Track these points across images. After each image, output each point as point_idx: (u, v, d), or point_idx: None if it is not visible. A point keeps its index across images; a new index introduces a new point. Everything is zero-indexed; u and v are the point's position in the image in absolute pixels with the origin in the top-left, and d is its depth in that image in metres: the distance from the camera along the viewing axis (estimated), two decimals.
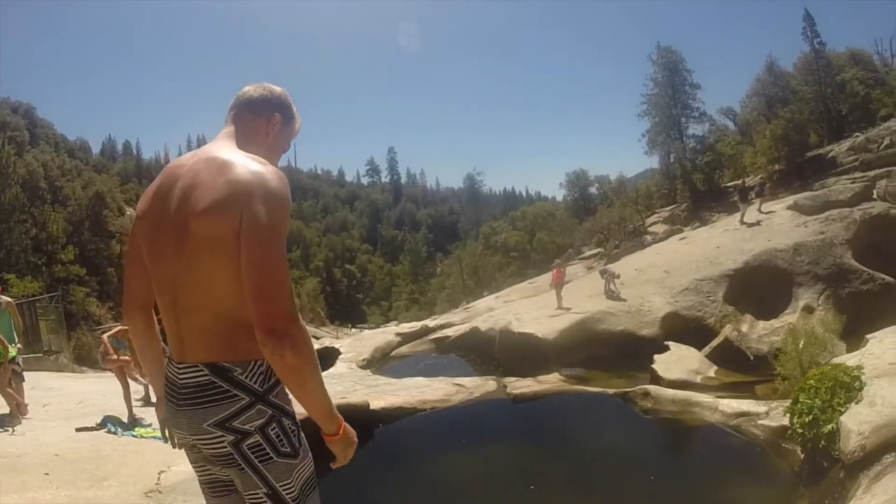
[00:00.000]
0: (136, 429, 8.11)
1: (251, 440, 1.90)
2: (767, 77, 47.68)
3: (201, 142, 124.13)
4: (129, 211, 68.42)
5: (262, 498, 1.94)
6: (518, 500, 7.35)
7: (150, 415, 8.74)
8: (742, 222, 21.95)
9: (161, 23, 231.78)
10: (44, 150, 71.44)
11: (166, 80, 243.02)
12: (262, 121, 2.20)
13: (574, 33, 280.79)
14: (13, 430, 7.81)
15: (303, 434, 2.06)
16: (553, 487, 7.79)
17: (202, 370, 1.91)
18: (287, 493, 1.95)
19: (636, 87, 46.86)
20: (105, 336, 9.63)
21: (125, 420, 8.47)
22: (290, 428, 1.99)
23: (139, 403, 9.46)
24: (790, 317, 15.31)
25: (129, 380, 9.19)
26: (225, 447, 1.90)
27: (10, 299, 9.54)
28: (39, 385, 10.26)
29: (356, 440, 2.13)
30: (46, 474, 5.69)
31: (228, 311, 1.88)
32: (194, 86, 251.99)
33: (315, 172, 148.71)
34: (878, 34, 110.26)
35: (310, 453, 2.07)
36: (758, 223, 21.37)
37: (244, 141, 2.12)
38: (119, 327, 10.12)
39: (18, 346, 9.21)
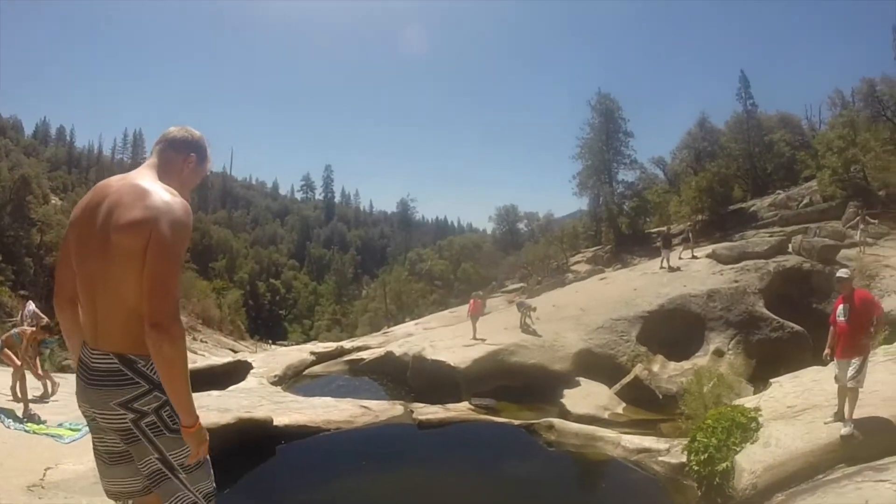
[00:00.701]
0: (30, 424, 7.84)
1: (148, 419, 2.37)
2: (698, 132, 49.94)
3: (137, 138, 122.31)
4: (54, 200, 65.96)
5: (155, 463, 2.41)
6: None
7: (46, 411, 8.54)
8: (663, 267, 22.39)
9: (109, 14, 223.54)
10: None
11: (110, 71, 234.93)
12: (180, 158, 2.68)
13: (523, 71, 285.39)
14: None
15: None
16: None
17: (112, 359, 2.35)
18: (175, 460, 2.43)
19: (575, 129, 48.42)
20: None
21: (20, 414, 8.20)
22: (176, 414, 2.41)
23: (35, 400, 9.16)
24: (701, 359, 15.61)
25: (27, 376, 8.94)
26: (126, 423, 2.35)
27: None
28: None
29: (207, 439, 2.49)
30: None
31: (136, 308, 2.28)
32: (136, 80, 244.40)
33: (249, 182, 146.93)
34: (809, 101, 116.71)
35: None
36: (678, 269, 21.85)
37: (164, 173, 2.59)
38: (31, 330, 9.79)
39: None
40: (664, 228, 31.23)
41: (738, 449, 7.27)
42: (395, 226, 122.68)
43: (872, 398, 7.41)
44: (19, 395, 8.63)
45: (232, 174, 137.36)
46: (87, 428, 6.78)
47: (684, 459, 8.10)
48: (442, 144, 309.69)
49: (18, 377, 8.84)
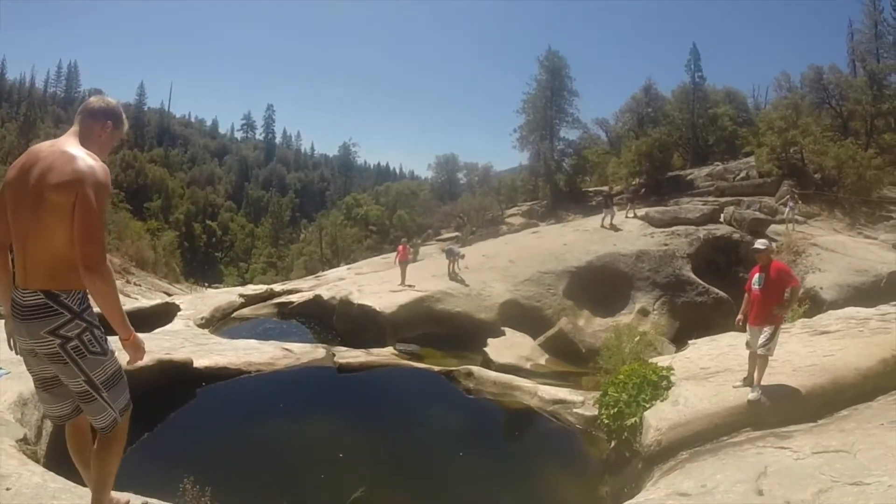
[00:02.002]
0: None
1: (72, 343, 2.84)
2: (643, 97, 50.40)
3: (72, 70, 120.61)
4: None
5: (81, 384, 2.91)
6: (325, 467, 7.11)
7: None
8: (604, 225, 22.36)
9: None
10: None
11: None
12: (97, 125, 3.11)
13: (475, 23, 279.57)
14: None
15: (108, 341, 3.01)
16: (359, 456, 7.64)
17: (39, 295, 2.81)
18: (97, 379, 2.93)
19: (522, 85, 47.98)
20: None
21: None
22: (98, 336, 2.95)
23: None
24: (626, 317, 15.93)
25: None
26: (54, 348, 2.82)
27: None
28: None
29: (144, 348, 3.11)
30: None
31: (62, 254, 2.78)
32: (72, 8, 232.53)
33: (188, 119, 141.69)
34: (757, 81, 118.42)
35: (114, 355, 3.03)
36: (619, 229, 21.96)
37: (85, 139, 3.04)
38: None
39: None
40: (607, 188, 31.35)
41: (647, 406, 7.35)
42: (336, 170, 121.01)
43: (784, 367, 7.58)
44: None
45: (170, 111, 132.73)
46: (3, 372, 6.79)
47: (597, 412, 8.21)
48: (388, 89, 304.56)
49: None
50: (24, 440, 5.13)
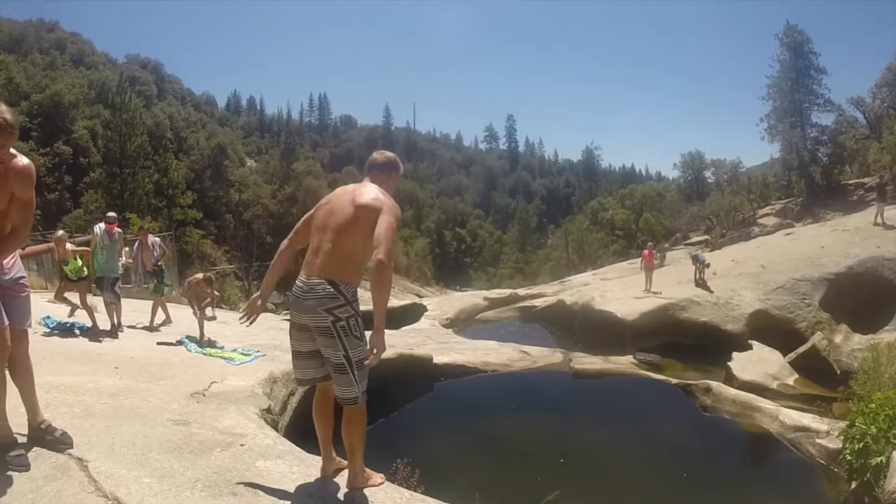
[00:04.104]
0: (208, 349, 8.84)
1: (341, 323, 3.44)
2: None
3: (322, 100, 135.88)
4: (250, 163, 72.61)
5: (340, 357, 3.47)
6: (539, 468, 7.18)
7: (226, 341, 9.56)
8: (878, 223, 19.54)
9: None
10: (170, 104, 78.08)
11: (290, 40, 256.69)
12: (384, 175, 3.90)
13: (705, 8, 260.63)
14: (102, 339, 8.72)
15: (364, 329, 3.57)
16: (581, 464, 7.59)
17: (325, 283, 3.47)
18: (353, 358, 3.48)
19: (764, 67, 43.82)
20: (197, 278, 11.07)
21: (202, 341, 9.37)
22: (360, 324, 3.53)
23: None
24: (889, 334, 13.41)
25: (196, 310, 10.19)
26: (327, 323, 3.43)
27: (120, 230, 10.50)
28: (141, 309, 11.26)
29: (385, 347, 3.47)
30: (116, 368, 6.64)
31: (352, 257, 3.55)
32: (317, 47, 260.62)
33: (433, 135, 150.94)
34: None
35: (367, 346, 3.50)
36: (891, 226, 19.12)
37: (378, 184, 3.79)
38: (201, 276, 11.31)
39: (123, 264, 10.50)
40: (878, 177, 27.71)
41: None
42: (581, 175, 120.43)
43: None
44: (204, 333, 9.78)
45: (416, 128, 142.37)
46: (257, 354, 7.93)
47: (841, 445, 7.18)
48: (628, 87, 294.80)
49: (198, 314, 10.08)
50: (268, 410, 5.89)
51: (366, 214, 3.55)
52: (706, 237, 34.35)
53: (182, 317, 11.15)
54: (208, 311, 10.00)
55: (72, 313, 9.84)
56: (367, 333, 3.51)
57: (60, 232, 9.97)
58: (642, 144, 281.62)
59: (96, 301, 9.77)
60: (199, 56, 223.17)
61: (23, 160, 3.52)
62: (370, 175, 3.90)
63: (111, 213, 10.45)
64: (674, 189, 57.77)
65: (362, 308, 3.51)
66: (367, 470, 3.90)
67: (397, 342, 8.37)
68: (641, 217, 53.87)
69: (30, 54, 62.95)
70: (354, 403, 3.59)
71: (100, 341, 8.56)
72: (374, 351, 3.43)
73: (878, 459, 6.07)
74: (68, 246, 9.64)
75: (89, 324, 9.08)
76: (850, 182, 37.13)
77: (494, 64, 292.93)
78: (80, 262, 9.54)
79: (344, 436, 3.68)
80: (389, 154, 4.05)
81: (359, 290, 3.64)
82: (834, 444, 7.56)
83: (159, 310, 10.82)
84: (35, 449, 3.73)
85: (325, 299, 3.45)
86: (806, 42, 41.05)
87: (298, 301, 3.58)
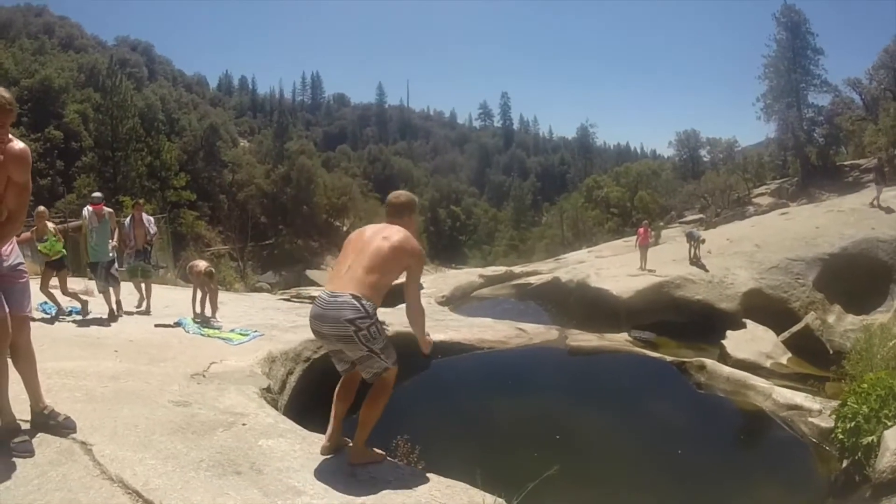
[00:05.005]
0: (206, 329, 8.88)
1: (363, 332, 3.69)
2: None
3: (315, 79, 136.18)
4: (243, 143, 72.40)
5: (364, 352, 3.77)
6: (541, 445, 7.28)
7: (220, 320, 9.72)
8: (875, 205, 19.48)
9: None
10: (161, 85, 77.68)
11: (281, 18, 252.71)
12: (405, 214, 4.19)
13: None
14: (102, 324, 8.80)
15: (385, 329, 4.03)
16: (576, 442, 7.65)
17: (348, 297, 3.71)
18: (376, 348, 3.78)
19: (761, 46, 43.72)
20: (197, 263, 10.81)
21: (198, 321, 9.42)
22: (380, 328, 3.84)
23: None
24: (882, 315, 13.65)
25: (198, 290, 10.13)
26: (350, 333, 3.68)
27: (111, 210, 10.27)
28: (135, 293, 11.10)
29: (432, 340, 4.34)
30: (116, 351, 6.77)
31: (377, 281, 3.83)
32: (309, 24, 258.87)
33: (427, 113, 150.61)
34: None
35: (387, 336, 3.95)
36: (890, 209, 18.95)
37: (399, 223, 4.11)
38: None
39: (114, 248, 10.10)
40: (876, 159, 27.59)
41: (889, 424, 6.08)
42: (576, 152, 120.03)
43: None
44: (197, 309, 9.84)
45: (409, 106, 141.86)
46: (255, 334, 8.09)
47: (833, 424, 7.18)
48: (623, 65, 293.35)
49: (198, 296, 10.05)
50: (268, 389, 6.01)
51: (397, 254, 3.92)
52: (701, 216, 34.48)
53: (178, 298, 11.18)
54: (208, 312, 9.86)
55: (84, 308, 9.46)
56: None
57: (41, 207, 9.69)
58: (637, 122, 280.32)
59: (92, 286, 9.79)
60: (189, 36, 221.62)
61: (18, 144, 3.51)
62: (392, 215, 4.21)
63: (96, 194, 10.24)
64: (669, 167, 57.82)
65: (398, 329, 3.69)
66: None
67: (394, 320, 8.40)
68: (636, 195, 53.77)
69: (18, 39, 62.34)
70: (384, 372, 3.90)
71: (100, 325, 8.63)
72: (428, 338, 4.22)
73: (870, 439, 6.10)
74: (49, 225, 9.35)
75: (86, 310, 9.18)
76: (846, 163, 37.41)
77: (488, 41, 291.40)
78: (56, 242, 9.21)
79: (364, 409, 3.99)
80: (407, 193, 4.41)
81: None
82: (826, 422, 7.62)
83: (153, 289, 10.81)
84: (39, 434, 3.79)
85: (348, 310, 3.70)
86: (803, 22, 41.07)
87: (321, 313, 3.81)
